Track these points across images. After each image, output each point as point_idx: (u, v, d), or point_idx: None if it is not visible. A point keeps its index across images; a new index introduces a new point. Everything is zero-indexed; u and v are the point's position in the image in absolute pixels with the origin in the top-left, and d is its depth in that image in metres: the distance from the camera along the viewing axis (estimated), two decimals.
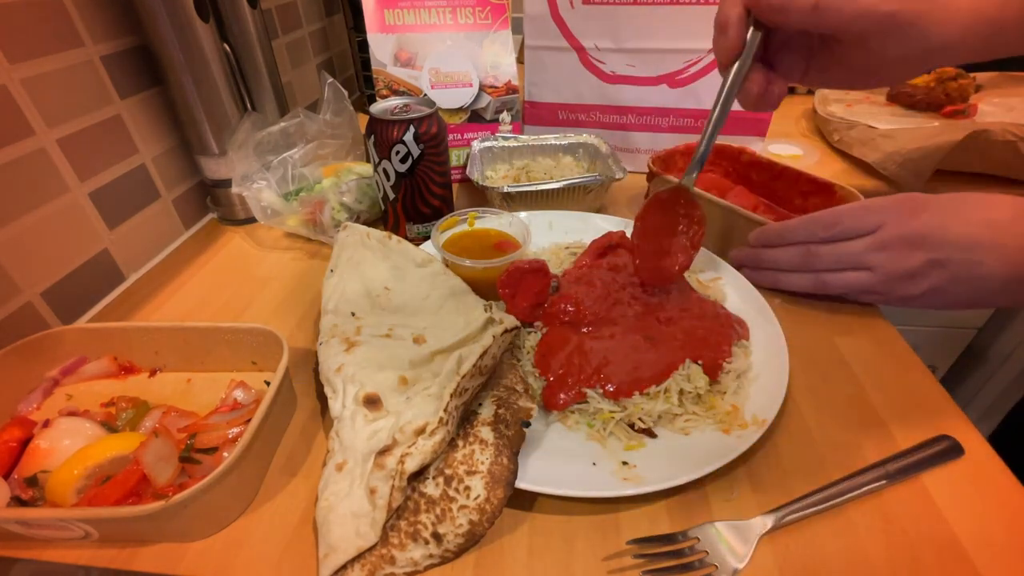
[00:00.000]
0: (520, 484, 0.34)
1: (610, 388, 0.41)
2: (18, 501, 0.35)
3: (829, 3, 0.39)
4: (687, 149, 0.69)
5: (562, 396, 0.41)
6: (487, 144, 0.75)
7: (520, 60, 0.77)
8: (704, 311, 0.48)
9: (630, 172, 0.70)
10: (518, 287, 0.49)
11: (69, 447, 0.37)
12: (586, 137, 0.75)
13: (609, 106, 0.76)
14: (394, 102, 0.57)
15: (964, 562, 0.32)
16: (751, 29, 0.42)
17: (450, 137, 0.76)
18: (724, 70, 0.44)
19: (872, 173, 0.77)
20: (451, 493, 0.33)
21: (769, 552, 0.33)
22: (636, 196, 0.74)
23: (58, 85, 0.49)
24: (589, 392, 0.41)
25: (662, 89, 0.73)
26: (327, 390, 0.40)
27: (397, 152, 0.54)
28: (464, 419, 0.37)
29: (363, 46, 0.97)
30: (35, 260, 0.48)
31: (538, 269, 0.49)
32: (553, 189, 0.64)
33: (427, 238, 0.58)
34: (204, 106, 0.61)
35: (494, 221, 0.58)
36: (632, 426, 0.40)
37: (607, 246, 0.55)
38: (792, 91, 1.15)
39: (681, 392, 0.41)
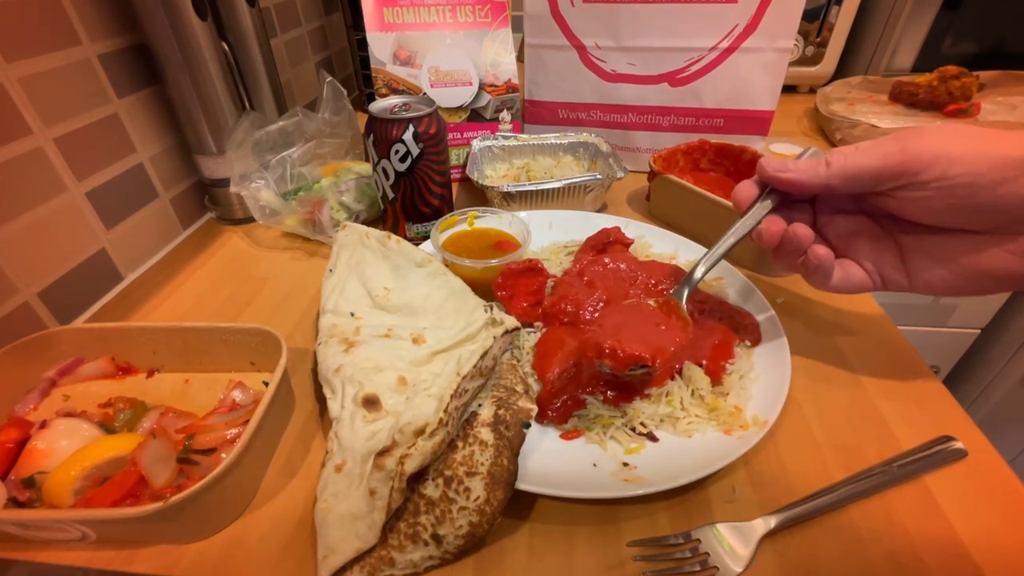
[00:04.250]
0: (520, 485, 0.34)
1: (611, 395, 0.41)
2: (15, 502, 0.35)
3: (842, 166, 0.36)
4: (688, 148, 0.69)
5: (550, 412, 0.40)
6: (487, 143, 0.75)
7: (520, 59, 0.77)
8: (721, 311, 0.48)
9: (631, 171, 0.70)
10: (515, 288, 0.49)
11: (66, 448, 0.37)
12: (586, 136, 0.75)
13: (610, 105, 0.76)
14: (393, 101, 0.57)
15: (967, 564, 0.32)
16: (766, 194, 0.40)
17: (450, 136, 0.76)
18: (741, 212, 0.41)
19: None
20: (451, 494, 0.33)
21: (771, 554, 0.33)
22: (637, 195, 0.74)
23: (55, 84, 0.49)
24: (588, 399, 0.41)
25: (663, 88, 0.73)
26: (326, 390, 0.40)
27: (396, 151, 0.54)
28: (464, 420, 0.37)
29: (362, 44, 0.97)
30: (32, 260, 0.48)
31: (532, 268, 0.49)
32: (553, 188, 0.64)
33: (426, 238, 0.58)
34: (202, 105, 0.61)
35: (494, 221, 0.58)
36: (633, 430, 0.40)
37: (605, 242, 0.55)
38: (792, 90, 1.15)
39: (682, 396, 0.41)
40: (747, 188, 0.41)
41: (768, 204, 0.40)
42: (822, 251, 0.39)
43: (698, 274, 0.42)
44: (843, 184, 0.37)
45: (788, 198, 0.40)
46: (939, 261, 0.37)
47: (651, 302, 0.43)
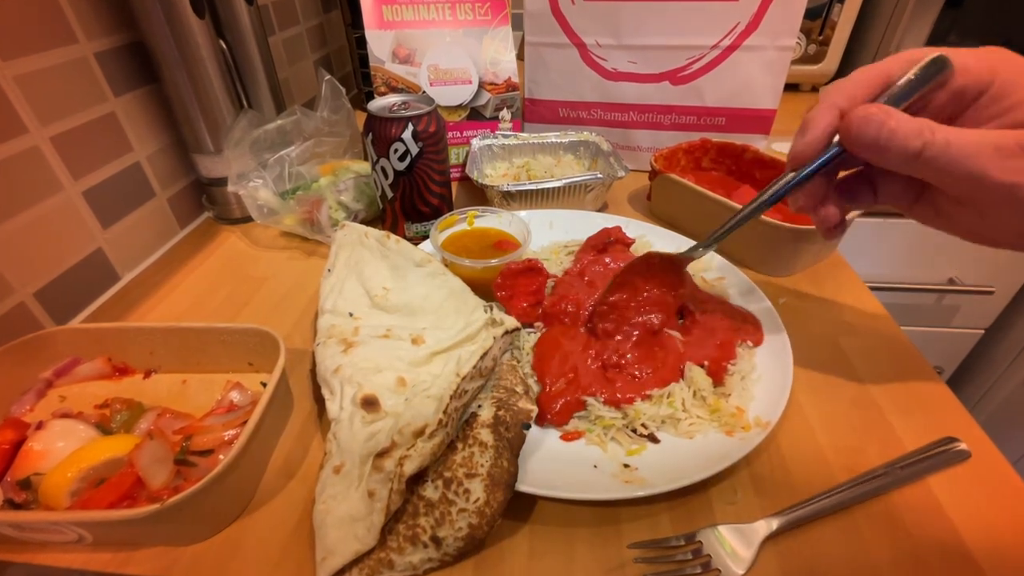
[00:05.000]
0: (520, 487, 0.34)
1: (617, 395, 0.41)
2: (11, 504, 0.35)
3: (936, 156, 0.29)
4: (690, 147, 0.69)
5: (548, 416, 0.40)
6: (487, 142, 0.75)
7: (520, 57, 0.77)
8: (724, 310, 0.48)
9: (632, 170, 0.70)
10: (514, 288, 0.49)
11: (63, 449, 0.37)
12: (587, 135, 0.75)
13: (610, 103, 0.76)
14: (392, 99, 0.57)
15: (971, 566, 0.32)
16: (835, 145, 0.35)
17: (449, 135, 0.76)
18: (790, 169, 0.37)
19: None
20: (450, 496, 0.33)
21: (773, 556, 0.33)
22: (638, 194, 0.74)
23: (52, 82, 0.49)
24: (589, 400, 0.41)
25: (664, 86, 0.73)
26: (324, 391, 0.40)
27: (395, 150, 0.54)
28: (464, 421, 0.37)
29: (361, 42, 0.97)
30: (28, 260, 0.48)
31: (532, 268, 0.49)
32: (553, 188, 0.64)
33: (426, 237, 0.58)
34: (199, 103, 0.61)
35: (494, 220, 0.58)
36: (634, 431, 0.40)
37: (606, 242, 0.55)
38: (794, 88, 1.15)
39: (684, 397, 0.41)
40: (819, 136, 0.34)
41: (825, 163, 0.35)
42: (835, 215, 0.37)
43: (720, 231, 0.43)
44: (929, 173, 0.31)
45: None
46: (977, 210, 0.33)
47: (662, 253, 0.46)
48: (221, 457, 0.34)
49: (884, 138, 0.31)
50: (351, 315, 0.46)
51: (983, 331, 1.06)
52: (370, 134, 0.55)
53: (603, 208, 0.71)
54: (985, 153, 0.29)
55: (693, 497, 0.36)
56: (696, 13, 0.67)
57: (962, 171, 0.30)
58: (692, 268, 0.50)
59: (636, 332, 0.45)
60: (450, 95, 0.76)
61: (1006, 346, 1.05)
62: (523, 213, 0.62)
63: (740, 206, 0.55)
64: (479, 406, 0.38)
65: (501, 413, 0.37)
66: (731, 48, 0.68)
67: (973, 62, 0.31)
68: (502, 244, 0.55)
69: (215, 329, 0.44)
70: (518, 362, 0.44)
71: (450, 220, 0.57)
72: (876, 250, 0.96)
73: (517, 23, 0.75)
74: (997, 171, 0.29)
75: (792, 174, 0.36)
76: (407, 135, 0.54)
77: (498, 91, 0.76)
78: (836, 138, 0.34)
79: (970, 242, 0.35)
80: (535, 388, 0.42)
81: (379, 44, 0.73)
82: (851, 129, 0.32)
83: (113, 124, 0.57)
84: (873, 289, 0.55)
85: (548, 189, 0.64)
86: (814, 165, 0.35)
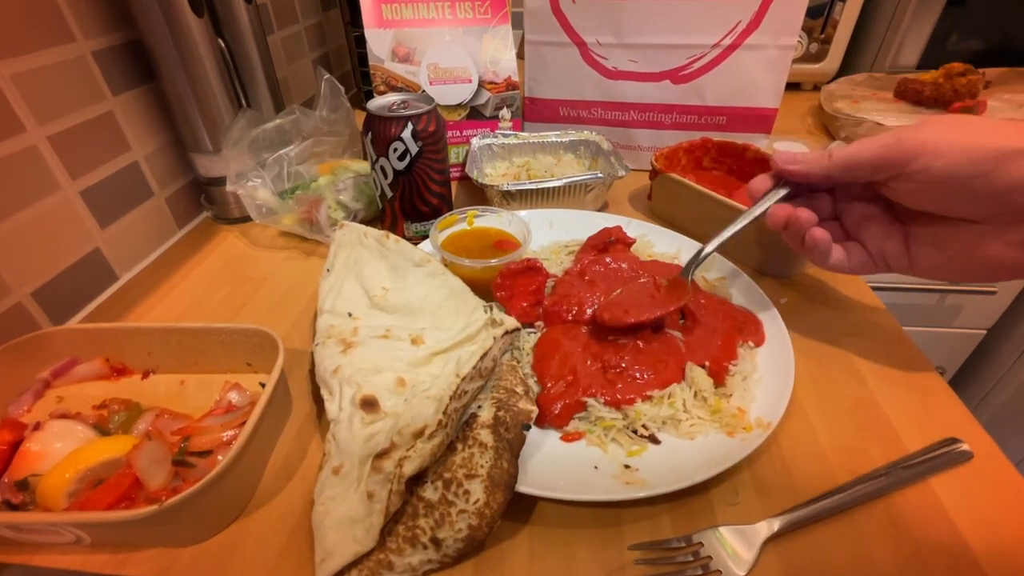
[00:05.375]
0: (520, 488, 0.34)
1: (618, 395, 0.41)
2: (8, 505, 0.35)
3: (841, 157, 0.40)
4: (690, 146, 0.69)
5: (548, 417, 0.40)
6: (487, 141, 0.75)
7: (520, 55, 0.77)
8: (724, 311, 0.48)
9: (632, 170, 0.70)
10: (514, 288, 0.49)
11: (60, 450, 0.37)
12: (587, 134, 0.75)
13: (611, 102, 0.76)
14: (392, 98, 0.57)
15: (974, 568, 0.32)
16: (780, 185, 0.45)
17: (449, 134, 0.76)
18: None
19: None
20: (450, 497, 0.33)
21: (774, 557, 0.33)
22: (639, 194, 0.74)
23: (49, 81, 0.49)
24: (589, 401, 0.41)
25: (665, 85, 0.73)
26: (323, 392, 0.40)
27: (395, 149, 0.54)
28: (463, 422, 0.37)
29: (360, 41, 0.97)
30: (25, 259, 0.48)
31: (531, 268, 0.49)
32: (554, 187, 0.64)
33: (425, 237, 0.58)
34: (198, 102, 0.61)
35: (494, 220, 0.58)
36: (635, 432, 0.40)
37: (606, 242, 0.55)
38: (796, 87, 1.15)
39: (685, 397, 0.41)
40: (761, 180, 0.46)
41: (780, 193, 0.44)
42: (819, 233, 0.42)
43: (708, 249, 0.46)
44: (843, 174, 0.40)
45: (801, 188, 0.44)
46: (940, 248, 0.40)
47: (663, 280, 0.48)
48: (220, 458, 0.34)
49: (806, 161, 0.42)
50: (350, 315, 0.46)
51: (985, 331, 1.06)
52: (369, 133, 0.55)
53: (603, 208, 0.71)
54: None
55: (694, 498, 0.36)
56: (697, 12, 0.67)
57: (867, 155, 0.38)
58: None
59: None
60: (450, 94, 0.76)
61: (1008, 346, 1.05)
62: (523, 213, 0.62)
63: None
64: (479, 407, 0.38)
65: (501, 414, 0.37)
66: (732, 47, 0.68)
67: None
68: (502, 244, 0.55)
69: (213, 329, 0.44)
70: (518, 362, 0.44)
71: (450, 220, 0.57)
72: None
73: (517, 21, 0.75)
74: (885, 142, 0.38)
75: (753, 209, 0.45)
76: (406, 134, 0.54)
77: (498, 90, 0.76)
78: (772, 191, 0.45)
79: (939, 280, 0.42)
80: (535, 388, 0.42)
81: (378, 43, 0.73)
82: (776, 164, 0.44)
83: (111, 123, 0.57)
84: (875, 289, 0.55)
85: (548, 188, 0.64)
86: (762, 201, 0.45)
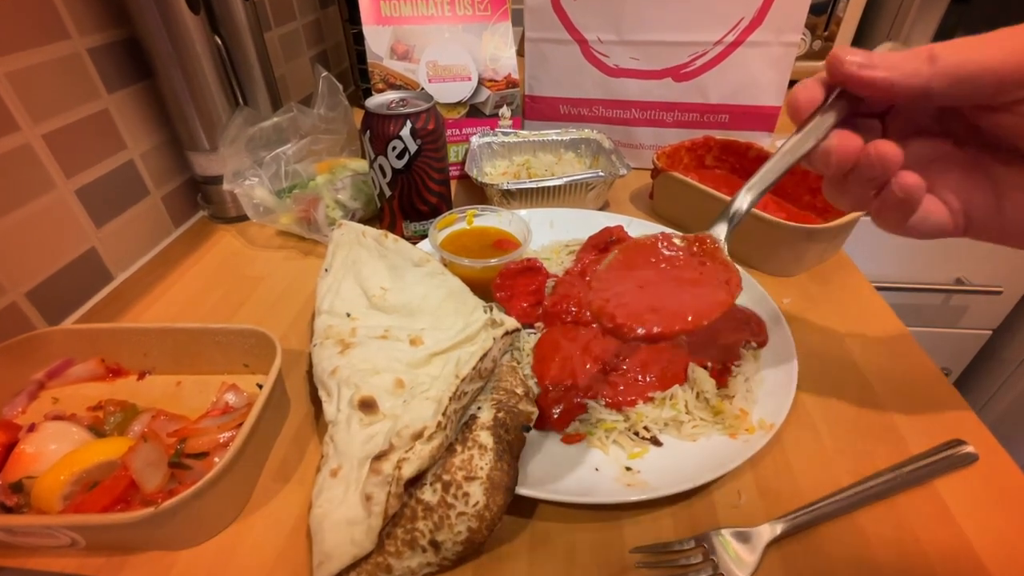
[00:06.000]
0: (520, 490, 0.34)
1: (616, 398, 0.41)
2: (2, 508, 0.35)
3: (954, 63, 0.26)
4: (693, 145, 0.69)
5: (548, 420, 0.40)
6: (486, 140, 0.75)
7: (520, 53, 0.77)
8: (728, 311, 0.48)
9: (634, 168, 0.70)
10: (513, 288, 0.49)
11: (55, 452, 0.37)
12: (588, 132, 0.75)
13: (612, 100, 0.76)
14: (390, 96, 0.57)
15: (979, 571, 0.32)
16: (832, 101, 0.30)
17: (448, 132, 0.76)
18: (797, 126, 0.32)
19: None
20: (449, 499, 0.33)
21: (777, 560, 0.33)
22: (640, 193, 0.74)
23: (44, 79, 0.49)
24: (590, 403, 0.41)
25: (667, 83, 0.73)
26: (321, 393, 0.40)
27: (394, 148, 0.54)
28: (463, 423, 0.37)
29: (358, 38, 0.97)
30: (20, 259, 0.48)
31: (531, 268, 0.49)
32: (554, 186, 0.64)
33: (424, 236, 0.58)
34: (194, 100, 0.61)
35: (493, 219, 0.58)
36: (636, 434, 0.40)
37: (607, 241, 0.55)
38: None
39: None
40: (810, 89, 0.31)
41: (831, 117, 0.30)
42: (911, 179, 0.30)
43: (743, 204, 0.33)
44: (950, 88, 0.27)
45: (858, 109, 0.31)
46: None
47: (676, 239, 0.35)
48: (216, 460, 0.34)
49: (891, 65, 0.28)
50: (348, 315, 0.46)
51: (991, 332, 1.06)
52: (368, 131, 0.55)
53: (604, 207, 0.71)
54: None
55: (696, 501, 0.36)
56: (699, 8, 0.67)
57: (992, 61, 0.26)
58: None
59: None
60: (449, 92, 0.76)
61: (1014, 347, 1.05)
62: (523, 212, 0.62)
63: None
64: (479, 408, 0.38)
65: (501, 415, 0.37)
66: (735, 44, 0.68)
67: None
68: (502, 243, 0.55)
69: (210, 330, 0.44)
70: (518, 363, 0.44)
71: (449, 219, 0.57)
72: (882, 249, 0.96)
73: (517, 18, 0.75)
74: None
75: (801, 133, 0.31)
76: (405, 132, 0.54)
77: (498, 88, 0.76)
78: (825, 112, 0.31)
79: None
80: (535, 390, 0.42)
81: (377, 40, 0.73)
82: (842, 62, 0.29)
83: (106, 121, 0.57)
84: (879, 289, 0.55)
85: (549, 187, 0.64)
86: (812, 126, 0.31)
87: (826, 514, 0.35)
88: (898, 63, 0.28)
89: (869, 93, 0.29)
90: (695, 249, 0.34)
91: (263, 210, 0.62)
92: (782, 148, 0.32)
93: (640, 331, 0.30)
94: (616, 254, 0.35)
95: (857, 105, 0.30)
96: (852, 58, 0.28)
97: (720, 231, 0.34)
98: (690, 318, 0.30)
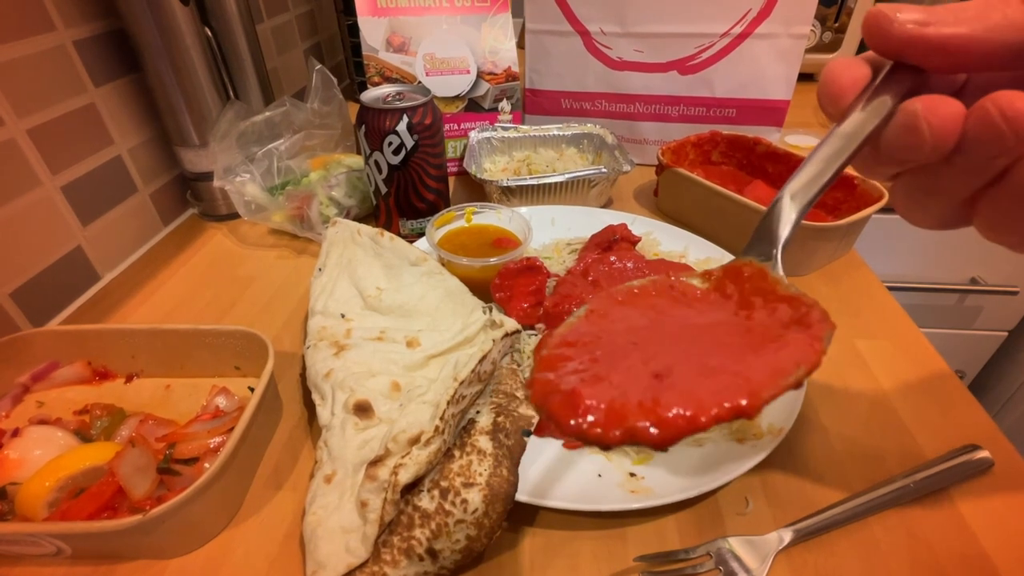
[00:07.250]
0: (520, 497, 0.34)
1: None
2: None
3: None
4: (698, 140, 0.69)
5: (549, 427, 0.40)
6: (485, 135, 0.75)
7: (521, 45, 0.77)
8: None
9: (638, 164, 0.70)
10: (513, 288, 0.49)
11: (40, 457, 0.37)
12: (591, 127, 0.75)
13: (615, 94, 0.76)
14: (386, 90, 0.57)
15: None
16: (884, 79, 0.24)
17: (446, 127, 0.76)
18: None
19: None
20: (447, 507, 0.33)
21: (786, 569, 0.33)
22: (644, 190, 0.74)
23: (28, 72, 0.49)
24: None
25: (672, 76, 0.73)
26: (315, 396, 0.40)
27: (389, 143, 0.54)
28: (461, 428, 0.37)
29: (353, 30, 0.97)
30: (4, 258, 0.48)
31: (531, 267, 0.49)
32: (556, 183, 0.64)
33: (421, 235, 0.58)
34: (184, 94, 0.61)
35: (493, 217, 0.58)
36: None
37: (611, 240, 0.55)
38: (809, 78, 1.15)
39: None
40: (852, 67, 0.24)
41: (888, 100, 0.23)
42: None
43: (794, 213, 0.25)
44: None
45: (919, 90, 0.23)
46: None
47: (695, 281, 0.27)
48: (207, 466, 0.34)
49: (966, 19, 0.21)
50: (343, 316, 0.46)
51: (1007, 333, 1.06)
52: (363, 126, 0.55)
53: (608, 204, 0.71)
54: None
55: (702, 507, 0.36)
56: None
57: None
58: (698, 267, 0.51)
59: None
60: (447, 85, 0.76)
61: None
62: (524, 209, 0.62)
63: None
64: (477, 412, 0.38)
65: (501, 419, 0.37)
66: (742, 36, 0.68)
67: None
68: (501, 242, 0.55)
69: (200, 331, 0.44)
70: (519, 366, 0.44)
71: (447, 217, 0.57)
72: (895, 248, 0.96)
73: (517, 9, 0.75)
74: None
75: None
76: (402, 127, 0.54)
77: (497, 81, 0.76)
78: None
79: None
80: None
81: (372, 32, 0.73)
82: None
83: (93, 116, 0.57)
84: (891, 289, 0.55)
85: (550, 184, 0.64)
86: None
87: (837, 522, 0.35)
88: (975, 14, 0.21)
89: (937, 63, 0.22)
90: (728, 289, 0.25)
91: (255, 207, 0.62)
92: (833, 132, 0.24)
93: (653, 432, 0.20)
94: (588, 307, 0.26)
95: (920, 83, 0.23)
96: (906, 15, 0.21)
97: (770, 253, 0.25)
98: (744, 401, 0.21)
